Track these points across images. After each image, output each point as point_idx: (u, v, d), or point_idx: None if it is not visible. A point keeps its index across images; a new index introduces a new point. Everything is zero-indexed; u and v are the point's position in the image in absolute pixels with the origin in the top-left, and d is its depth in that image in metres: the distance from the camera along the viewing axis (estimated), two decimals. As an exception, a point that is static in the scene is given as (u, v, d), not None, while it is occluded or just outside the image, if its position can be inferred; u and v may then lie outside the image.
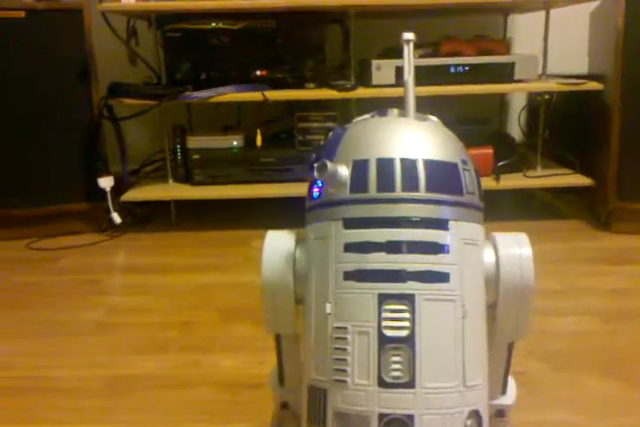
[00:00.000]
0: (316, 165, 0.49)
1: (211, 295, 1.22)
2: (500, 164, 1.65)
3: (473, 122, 1.78)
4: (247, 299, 1.18)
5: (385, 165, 0.50)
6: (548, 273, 1.28)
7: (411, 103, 0.57)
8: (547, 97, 1.67)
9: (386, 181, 0.50)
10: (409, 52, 0.58)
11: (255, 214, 1.74)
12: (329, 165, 0.49)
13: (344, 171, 0.50)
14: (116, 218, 1.58)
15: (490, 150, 1.64)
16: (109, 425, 0.80)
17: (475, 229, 0.52)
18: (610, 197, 1.52)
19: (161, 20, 1.62)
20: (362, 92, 1.58)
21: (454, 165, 0.51)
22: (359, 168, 0.51)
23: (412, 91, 0.57)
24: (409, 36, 0.59)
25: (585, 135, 1.69)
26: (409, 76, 0.58)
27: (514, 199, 1.83)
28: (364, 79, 1.63)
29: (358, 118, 0.57)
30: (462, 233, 0.50)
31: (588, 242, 1.49)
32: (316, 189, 0.53)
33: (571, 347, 0.99)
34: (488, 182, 1.60)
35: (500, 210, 1.68)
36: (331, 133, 0.56)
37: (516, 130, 2.00)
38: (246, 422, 0.79)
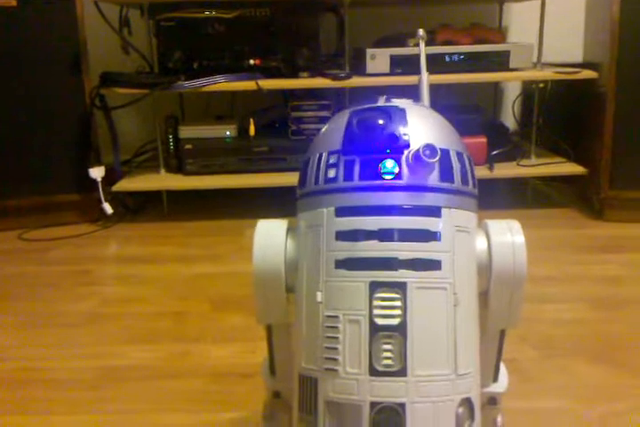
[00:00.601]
0: (422, 146, 0.48)
1: (203, 285, 1.21)
2: (494, 152, 1.65)
3: (467, 110, 1.78)
4: (239, 289, 1.17)
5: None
6: (541, 260, 1.28)
7: (425, 95, 0.60)
8: (541, 86, 1.66)
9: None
10: (423, 49, 0.64)
11: (248, 204, 1.73)
12: (437, 148, 0.48)
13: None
14: (108, 208, 1.57)
15: (484, 139, 1.64)
16: (102, 416, 0.80)
17: (467, 217, 0.51)
18: (603, 185, 1.52)
19: (154, 8, 1.60)
20: (356, 81, 1.57)
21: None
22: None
23: (425, 84, 0.63)
24: (422, 32, 0.61)
25: (579, 124, 1.69)
26: (423, 72, 0.64)
27: (507, 188, 1.83)
28: (359, 68, 1.62)
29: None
30: (455, 220, 0.50)
31: (580, 230, 1.49)
32: (394, 168, 0.49)
33: (563, 334, 0.99)
34: (482, 171, 1.60)
35: (493, 199, 1.68)
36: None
37: (510, 119, 1.99)
38: (238, 412, 0.79)
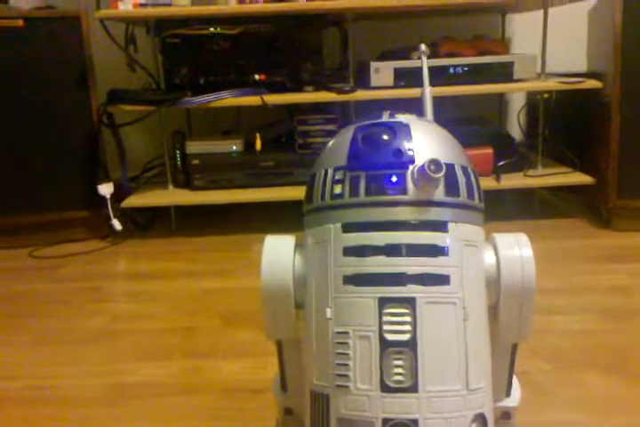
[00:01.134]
0: (427, 161, 0.48)
1: (212, 301, 1.22)
2: (501, 163, 1.65)
3: (473, 122, 1.78)
4: (249, 304, 1.18)
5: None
6: (549, 271, 1.27)
7: (429, 109, 0.62)
8: (546, 96, 1.66)
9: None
10: (425, 64, 0.65)
11: (256, 219, 1.73)
12: (442, 163, 0.48)
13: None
14: (117, 225, 1.58)
15: (490, 150, 1.64)
16: (113, 433, 0.80)
17: (474, 231, 0.52)
18: (610, 195, 1.52)
19: (159, 26, 1.62)
20: (360, 95, 1.58)
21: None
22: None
23: (429, 98, 0.64)
24: (423, 47, 0.66)
25: (585, 134, 1.69)
26: (426, 86, 0.66)
27: (514, 199, 1.83)
28: (363, 81, 1.63)
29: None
30: (462, 235, 0.50)
31: (588, 240, 1.48)
32: (400, 183, 0.50)
33: (573, 345, 0.98)
34: (488, 182, 1.60)
35: (500, 210, 1.68)
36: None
37: (515, 129, 2.00)
38: (250, 428, 0.79)
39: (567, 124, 1.77)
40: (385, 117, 0.55)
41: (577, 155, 1.68)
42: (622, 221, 1.52)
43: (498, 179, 1.61)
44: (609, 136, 1.50)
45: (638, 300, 1.15)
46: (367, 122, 0.54)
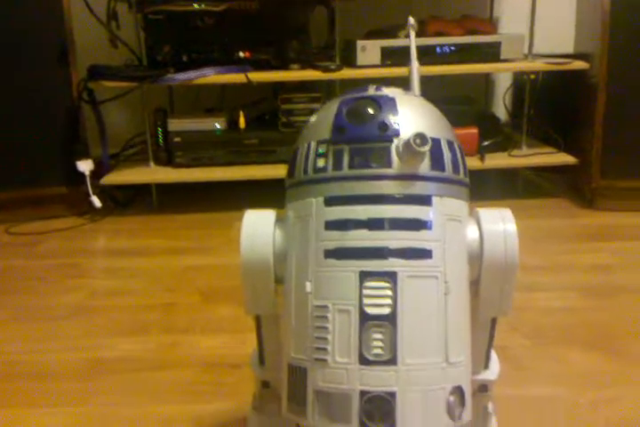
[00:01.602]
0: (413, 135, 0.47)
1: (192, 277, 1.21)
2: (485, 143, 1.64)
3: (458, 102, 1.77)
4: (229, 281, 1.17)
5: None
6: (532, 250, 1.28)
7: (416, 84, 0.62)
8: (532, 77, 1.66)
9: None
10: (413, 37, 0.66)
11: (238, 197, 1.72)
12: (428, 137, 0.47)
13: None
14: (96, 202, 1.56)
15: (475, 130, 1.63)
16: (91, 408, 0.79)
17: (459, 206, 0.51)
18: (594, 175, 1.52)
19: (142, 1, 1.58)
20: (346, 73, 1.56)
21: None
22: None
23: (416, 72, 0.64)
24: (412, 21, 0.67)
25: (570, 114, 1.69)
26: (413, 60, 0.66)
27: (498, 179, 1.83)
28: (349, 60, 1.61)
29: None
30: (446, 209, 0.49)
31: (572, 219, 1.49)
32: (384, 156, 0.48)
33: (554, 322, 0.99)
34: (473, 162, 1.59)
35: (484, 189, 1.68)
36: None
37: (501, 110, 1.99)
38: (228, 402, 0.79)
39: (553, 104, 1.76)
40: (370, 91, 0.54)
41: (562, 135, 1.68)
42: (605, 201, 1.53)
43: (482, 158, 1.61)
44: (594, 117, 1.50)
45: (619, 278, 1.16)
46: (352, 95, 0.53)
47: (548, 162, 1.63)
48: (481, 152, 1.63)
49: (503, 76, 2.04)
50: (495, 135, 1.69)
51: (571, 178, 1.70)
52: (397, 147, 0.48)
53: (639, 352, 0.89)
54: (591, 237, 1.37)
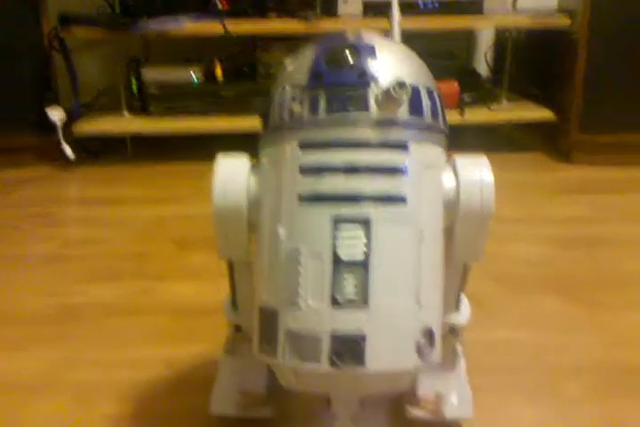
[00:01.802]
0: (392, 82, 0.46)
1: (166, 227, 1.20)
2: (466, 97, 1.63)
3: (440, 56, 1.75)
4: (203, 230, 1.14)
5: None
6: (509, 202, 1.28)
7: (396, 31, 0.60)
8: (515, 32, 1.64)
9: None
10: None
11: (214, 148, 1.68)
12: (407, 84, 0.46)
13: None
14: (69, 151, 1.53)
15: (455, 84, 1.61)
16: (65, 352, 0.79)
17: (436, 153, 0.50)
18: (572, 130, 1.53)
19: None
20: (327, 24, 1.52)
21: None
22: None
23: (397, 20, 0.63)
24: None
25: (551, 70, 1.68)
26: (395, 6, 0.65)
27: (478, 133, 1.82)
28: (330, 9, 1.57)
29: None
30: (422, 156, 0.49)
31: (549, 173, 1.50)
32: (362, 102, 0.47)
33: (527, 271, 1.00)
34: (453, 116, 1.58)
35: (464, 143, 1.66)
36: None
37: (483, 67, 1.97)
38: (199, 345, 0.79)
39: (534, 60, 1.75)
40: (350, 37, 0.52)
41: (542, 91, 1.67)
42: (582, 155, 1.54)
43: (462, 112, 1.60)
44: (574, 73, 1.49)
45: (594, 229, 1.17)
46: (331, 41, 0.52)
47: (528, 117, 1.63)
48: (461, 106, 1.62)
49: (486, 35, 2.01)
50: (476, 90, 1.67)
51: (549, 132, 1.70)
52: (376, 93, 0.47)
53: (607, 300, 0.91)
54: (567, 190, 1.38)
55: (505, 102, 1.67)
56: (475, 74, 1.82)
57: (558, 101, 1.60)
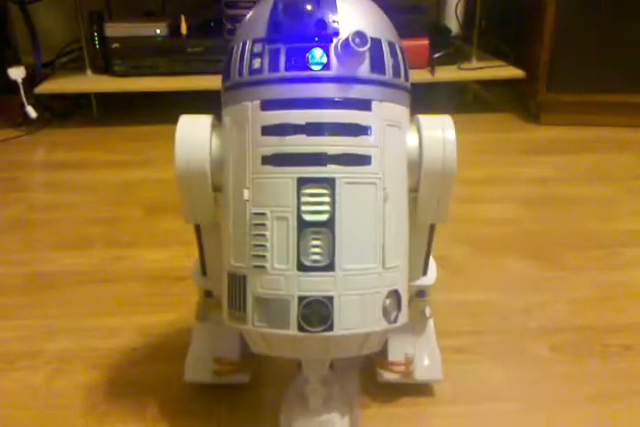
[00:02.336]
0: (352, 34, 0.45)
1: (135, 191, 1.18)
2: (436, 55, 1.61)
3: (409, 10, 1.71)
4: (173, 194, 1.13)
5: None
6: (476, 163, 1.29)
7: None
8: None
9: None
10: None
11: (181, 108, 1.65)
12: (368, 37, 0.45)
13: None
14: (32, 112, 1.49)
15: (425, 41, 1.59)
16: (33, 321, 0.79)
17: (399, 111, 0.50)
18: (540, 88, 1.52)
19: None
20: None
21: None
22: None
23: None
24: None
25: (520, 27, 1.67)
26: None
27: (448, 91, 1.82)
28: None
29: None
30: (386, 114, 0.48)
31: (516, 133, 1.51)
32: (322, 57, 0.46)
33: (494, 232, 1.02)
34: (423, 75, 1.57)
35: (433, 102, 1.67)
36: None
37: (453, 21, 1.94)
38: (172, 313, 0.79)
39: (504, 16, 1.73)
40: None
41: (512, 48, 1.67)
42: (550, 115, 1.55)
43: (432, 71, 1.59)
44: (543, 29, 1.48)
45: (559, 190, 1.19)
46: None
47: (497, 75, 1.62)
48: (431, 64, 1.60)
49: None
50: (446, 47, 1.65)
51: (518, 92, 1.70)
52: (336, 47, 0.46)
53: (572, 260, 0.93)
54: (534, 150, 1.40)
55: (475, 60, 1.66)
56: (445, 30, 1.79)
57: (527, 59, 1.59)
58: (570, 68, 1.49)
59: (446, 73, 1.60)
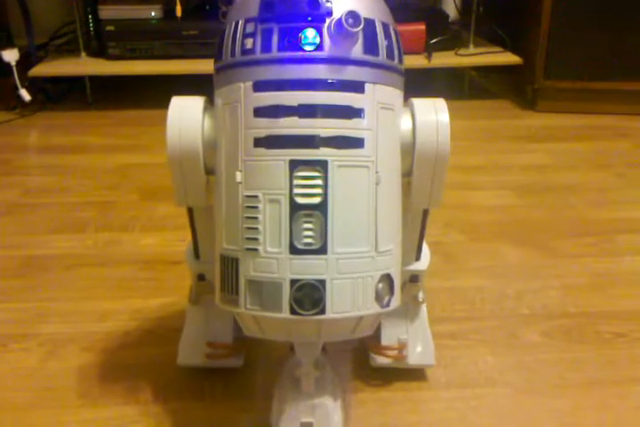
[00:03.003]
0: (345, 14, 0.44)
1: (130, 175, 1.18)
2: (433, 41, 1.60)
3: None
4: (167, 179, 1.13)
5: None
6: (471, 150, 1.29)
7: None
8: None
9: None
10: None
11: (177, 91, 1.64)
12: (361, 17, 0.44)
13: None
14: (25, 95, 1.47)
15: (422, 26, 1.58)
16: (27, 304, 0.79)
17: (393, 94, 0.49)
18: (537, 75, 1.52)
19: None
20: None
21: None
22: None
23: None
24: None
25: (518, 13, 1.65)
26: None
27: (445, 78, 1.81)
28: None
29: None
30: (379, 97, 0.48)
31: (512, 120, 1.50)
32: (315, 38, 0.46)
33: (488, 219, 1.02)
34: (419, 60, 1.56)
35: (430, 88, 1.66)
36: None
37: (450, 6, 1.93)
38: (167, 297, 0.79)
39: (502, 2, 1.71)
40: None
41: (509, 35, 1.66)
42: (546, 102, 1.54)
43: (429, 57, 1.58)
44: (541, 16, 1.47)
45: (554, 177, 1.19)
46: None
47: (494, 61, 1.62)
48: (428, 50, 1.59)
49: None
50: (443, 33, 1.64)
51: (515, 79, 1.69)
52: (329, 27, 0.46)
53: (566, 247, 0.93)
54: (530, 138, 1.39)
55: (472, 46, 1.65)
56: (442, 15, 1.78)
57: (525, 46, 1.59)
58: (567, 55, 1.48)
59: (443, 59, 1.59)
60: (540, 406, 0.62)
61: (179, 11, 1.53)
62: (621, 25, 1.44)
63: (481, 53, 1.62)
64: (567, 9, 1.45)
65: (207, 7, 1.67)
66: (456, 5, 1.87)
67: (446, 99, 0.53)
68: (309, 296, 0.46)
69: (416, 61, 1.54)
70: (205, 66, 1.47)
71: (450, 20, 1.81)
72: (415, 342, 0.65)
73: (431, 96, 0.53)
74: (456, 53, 1.62)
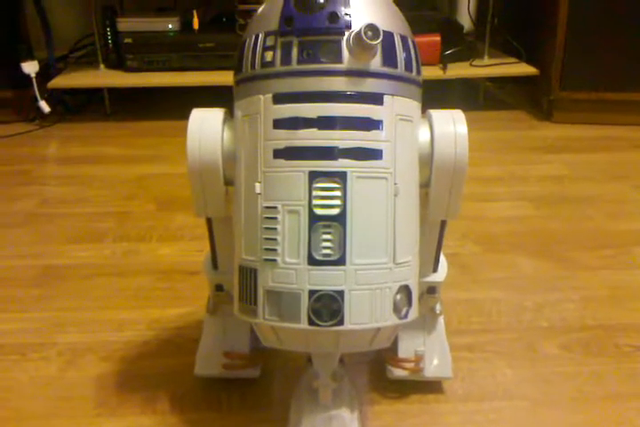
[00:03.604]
0: (364, 27, 0.44)
1: (148, 186, 1.19)
2: (448, 52, 1.61)
3: (422, 7, 1.71)
4: (185, 189, 1.14)
5: None
6: (488, 161, 1.29)
7: None
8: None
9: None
10: None
11: (193, 103, 1.66)
12: (380, 30, 0.44)
13: None
14: (45, 106, 1.49)
15: (438, 38, 1.59)
16: (45, 313, 0.79)
17: (411, 105, 0.50)
18: (553, 86, 1.52)
19: None
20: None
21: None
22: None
23: None
24: None
25: (533, 24, 1.66)
26: None
27: (460, 89, 1.81)
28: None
29: None
30: (397, 109, 0.48)
31: (529, 131, 1.50)
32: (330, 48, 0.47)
33: (505, 230, 1.01)
34: (435, 71, 1.57)
35: (445, 100, 1.66)
36: None
37: (465, 18, 1.93)
38: (184, 307, 0.80)
39: (517, 13, 1.72)
40: None
41: (524, 46, 1.66)
42: (562, 113, 1.54)
43: (444, 68, 1.58)
44: (557, 28, 1.47)
45: (570, 188, 1.18)
46: None
47: (509, 72, 1.61)
48: (443, 61, 1.60)
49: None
50: (458, 44, 1.65)
51: (531, 90, 1.69)
52: (348, 40, 0.46)
53: (583, 259, 0.93)
54: (546, 149, 1.39)
55: (487, 57, 1.65)
56: (457, 26, 1.78)
57: (540, 57, 1.59)
58: (583, 67, 1.48)
59: (458, 70, 1.59)
60: (558, 419, 0.62)
61: (196, 23, 1.55)
62: (637, 36, 1.44)
63: (496, 64, 1.62)
64: (583, 20, 1.45)
65: (224, 20, 1.69)
66: (471, 17, 1.87)
67: (462, 110, 0.53)
68: (328, 307, 0.46)
69: (431, 73, 1.54)
70: (222, 77, 1.51)
71: (465, 31, 1.82)
72: (432, 354, 0.64)
73: (446, 107, 0.53)
74: (471, 64, 1.62)
